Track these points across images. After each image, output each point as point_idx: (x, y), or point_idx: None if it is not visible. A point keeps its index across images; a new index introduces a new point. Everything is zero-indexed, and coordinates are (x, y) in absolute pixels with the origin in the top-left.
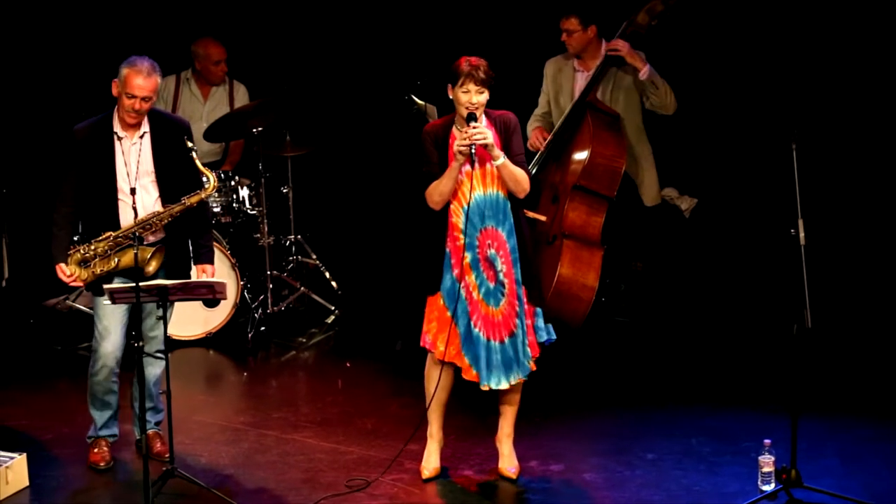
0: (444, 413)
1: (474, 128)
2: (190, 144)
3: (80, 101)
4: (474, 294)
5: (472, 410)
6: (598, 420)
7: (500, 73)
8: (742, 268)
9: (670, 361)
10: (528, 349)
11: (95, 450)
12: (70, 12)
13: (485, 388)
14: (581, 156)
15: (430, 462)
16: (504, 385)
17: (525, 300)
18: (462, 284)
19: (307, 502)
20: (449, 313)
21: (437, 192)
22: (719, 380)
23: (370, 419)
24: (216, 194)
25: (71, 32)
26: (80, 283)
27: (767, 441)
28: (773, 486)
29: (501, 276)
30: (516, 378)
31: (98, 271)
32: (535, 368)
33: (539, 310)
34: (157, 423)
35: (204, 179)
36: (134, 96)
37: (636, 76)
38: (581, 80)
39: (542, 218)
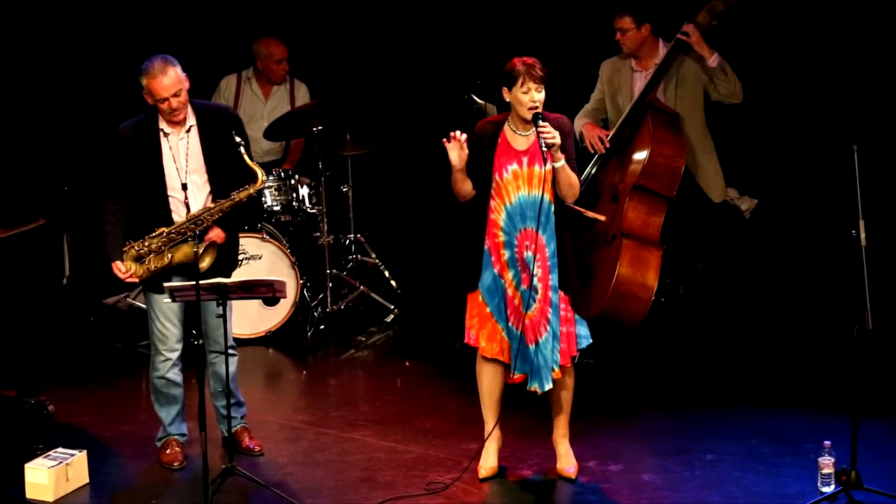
0: (500, 411)
1: (543, 127)
2: (238, 139)
3: (140, 99)
4: (510, 291)
5: (530, 410)
6: (656, 420)
7: (555, 72)
8: (802, 269)
9: (730, 362)
10: (557, 356)
11: (167, 450)
12: (132, 11)
13: (517, 378)
14: (641, 155)
15: (488, 461)
16: (530, 387)
17: (564, 307)
18: (503, 280)
19: (365, 501)
20: (488, 310)
21: (454, 188)
22: (779, 381)
23: (429, 418)
24: (276, 192)
25: (132, 31)
26: (136, 279)
27: (827, 442)
28: (832, 487)
29: (535, 280)
30: (532, 387)
31: (153, 267)
32: (559, 376)
33: (578, 317)
34: (242, 417)
35: (254, 174)
36: (165, 98)
37: (703, 65)
38: (640, 81)
39: (602, 218)
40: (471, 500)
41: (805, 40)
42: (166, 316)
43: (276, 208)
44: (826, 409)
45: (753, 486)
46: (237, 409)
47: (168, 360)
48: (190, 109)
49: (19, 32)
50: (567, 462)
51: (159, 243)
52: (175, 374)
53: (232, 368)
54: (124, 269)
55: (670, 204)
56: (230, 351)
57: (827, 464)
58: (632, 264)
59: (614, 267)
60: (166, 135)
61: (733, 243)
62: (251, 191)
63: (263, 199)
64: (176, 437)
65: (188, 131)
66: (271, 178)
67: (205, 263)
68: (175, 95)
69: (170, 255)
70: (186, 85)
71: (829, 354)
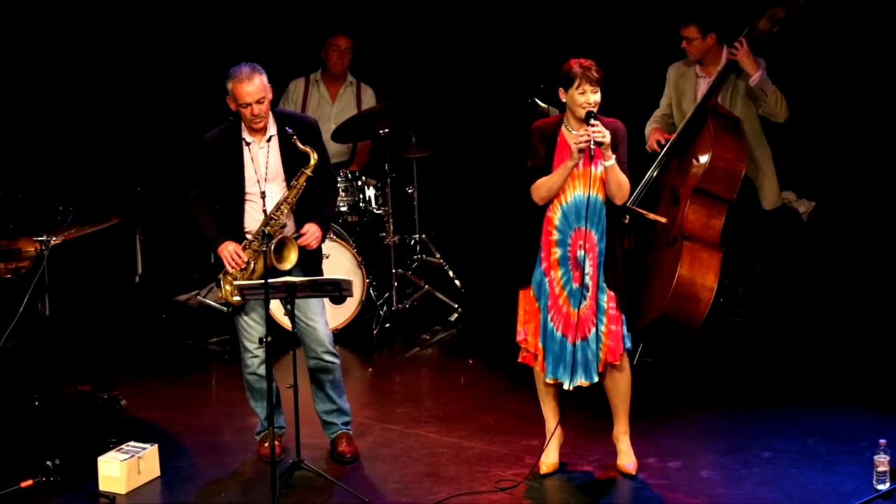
0: (559, 407)
1: (594, 125)
2: (289, 131)
3: (211, 102)
4: (556, 289)
5: (591, 408)
6: (715, 418)
7: (619, 76)
8: (860, 270)
9: (787, 361)
10: (601, 353)
11: (266, 444)
12: (202, 16)
13: (550, 381)
14: (702, 159)
15: (549, 457)
16: (568, 387)
17: (610, 305)
18: (548, 279)
19: (430, 495)
20: (538, 305)
21: (545, 188)
22: (836, 380)
23: (491, 415)
24: (343, 194)
25: (202, 37)
26: (237, 303)
27: (883, 441)
28: (888, 485)
29: (587, 278)
30: (578, 381)
31: (244, 285)
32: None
33: (624, 317)
34: (345, 424)
35: (306, 156)
36: (248, 104)
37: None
38: (704, 86)
39: (663, 220)
40: (532, 495)
41: (865, 41)
42: (248, 314)
43: (344, 209)
44: (881, 407)
45: (810, 483)
46: (339, 416)
47: (256, 356)
48: (271, 119)
49: (94, 38)
50: (627, 459)
51: (247, 258)
52: (265, 370)
53: (335, 375)
54: (230, 248)
55: (730, 207)
56: (329, 357)
57: (882, 462)
58: (692, 266)
59: (675, 268)
60: (248, 144)
61: (791, 245)
62: (307, 172)
63: None
64: (275, 430)
65: (269, 141)
66: (339, 179)
67: (288, 261)
68: (258, 102)
69: (252, 265)
70: (270, 95)
71: (885, 353)
